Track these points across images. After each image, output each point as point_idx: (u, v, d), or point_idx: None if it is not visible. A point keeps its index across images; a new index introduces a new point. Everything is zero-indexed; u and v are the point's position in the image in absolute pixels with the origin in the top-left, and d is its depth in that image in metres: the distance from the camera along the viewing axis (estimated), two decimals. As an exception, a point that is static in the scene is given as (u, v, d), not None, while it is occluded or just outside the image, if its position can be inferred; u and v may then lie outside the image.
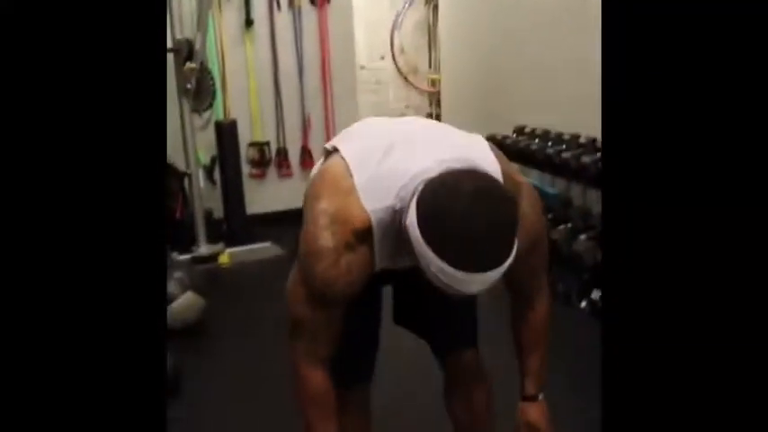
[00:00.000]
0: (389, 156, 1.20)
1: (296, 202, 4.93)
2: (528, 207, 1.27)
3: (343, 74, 4.68)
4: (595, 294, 2.93)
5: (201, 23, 3.58)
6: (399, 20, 6.15)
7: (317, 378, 1.28)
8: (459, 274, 1.02)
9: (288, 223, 4.51)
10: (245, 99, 4.42)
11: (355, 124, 1.46)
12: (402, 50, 6.26)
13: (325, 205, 1.18)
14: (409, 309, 1.59)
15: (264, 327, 3.16)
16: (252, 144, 4.50)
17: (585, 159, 3.13)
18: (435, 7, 5.88)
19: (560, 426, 1.56)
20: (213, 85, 3.75)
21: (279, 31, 4.45)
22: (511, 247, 1.04)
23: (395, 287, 1.57)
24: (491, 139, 4.00)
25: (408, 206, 1.08)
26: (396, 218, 1.15)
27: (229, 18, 4.34)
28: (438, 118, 6.53)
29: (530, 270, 1.37)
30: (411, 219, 1.06)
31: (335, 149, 1.29)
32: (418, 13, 6.23)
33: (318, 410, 1.30)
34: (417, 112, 6.61)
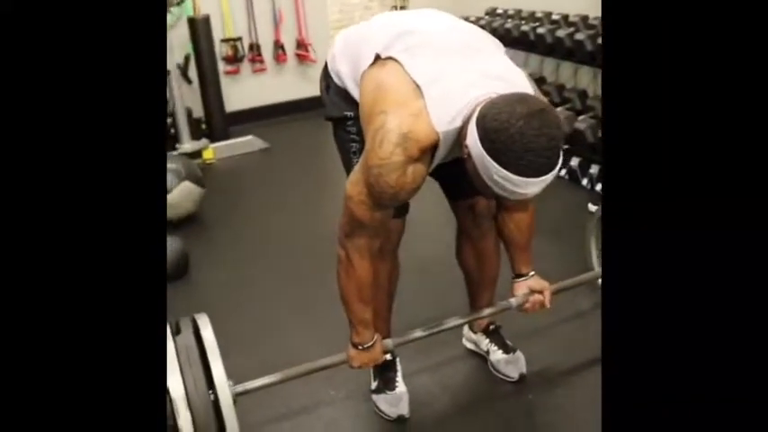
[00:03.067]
0: (449, 73, 1.35)
1: (271, 97, 5.04)
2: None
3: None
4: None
5: None
6: None
7: (367, 266, 1.51)
8: (521, 180, 1.20)
9: (265, 117, 4.62)
10: (214, -5, 4.36)
11: (388, 22, 1.54)
12: (364, -60, 6.13)
13: (396, 123, 1.31)
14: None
15: (256, 214, 3.31)
16: (224, 40, 4.48)
17: (560, 34, 3.24)
18: None
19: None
20: (186, -23, 3.70)
21: None
22: (560, 154, 1.22)
23: None
24: (464, 20, 4.08)
25: (467, 127, 1.26)
26: (455, 134, 1.33)
27: None
28: (403, 8, 6.49)
29: None
30: (473, 139, 1.22)
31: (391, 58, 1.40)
32: None
33: (362, 294, 1.54)
34: (381, 4, 6.56)
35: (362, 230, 1.46)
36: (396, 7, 6.48)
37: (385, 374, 1.88)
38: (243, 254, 2.87)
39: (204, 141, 4.08)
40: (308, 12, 4.69)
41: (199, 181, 3.15)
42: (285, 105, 4.78)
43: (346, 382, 1.92)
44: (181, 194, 3.02)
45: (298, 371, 1.62)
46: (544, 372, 1.95)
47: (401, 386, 1.87)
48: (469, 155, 1.25)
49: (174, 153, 3.76)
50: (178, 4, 3.84)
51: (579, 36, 3.13)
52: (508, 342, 1.98)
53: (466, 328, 2.06)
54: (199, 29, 4.12)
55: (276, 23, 4.62)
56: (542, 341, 2.07)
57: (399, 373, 1.89)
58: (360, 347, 1.60)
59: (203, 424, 1.38)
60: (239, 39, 4.53)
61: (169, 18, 4.05)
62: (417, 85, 1.34)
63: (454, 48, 1.45)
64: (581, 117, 3.08)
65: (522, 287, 1.75)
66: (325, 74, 1.66)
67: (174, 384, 1.38)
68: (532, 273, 1.75)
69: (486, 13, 4.09)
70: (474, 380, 1.99)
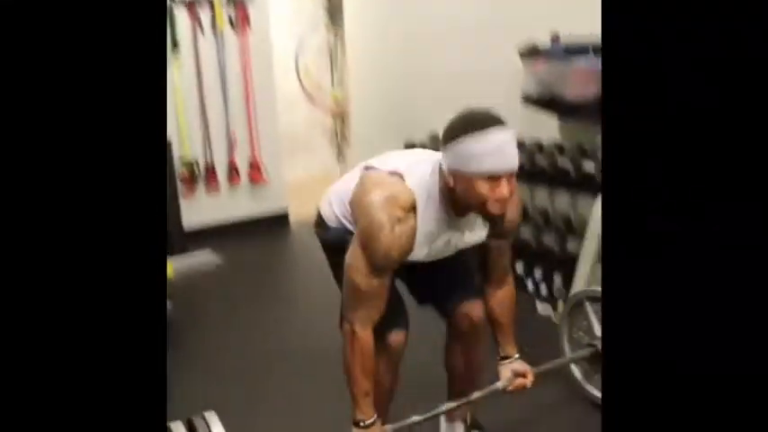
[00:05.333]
0: (416, 156, 1.79)
1: (225, 217, 5.17)
2: (515, 198, 1.77)
3: (264, 92, 4.98)
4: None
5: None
6: (302, 44, 6.51)
7: (367, 339, 1.72)
8: (482, 138, 1.53)
9: (220, 237, 4.78)
10: (172, 118, 4.61)
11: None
12: (306, 70, 6.61)
13: (378, 193, 1.63)
14: (425, 288, 2.01)
15: (214, 329, 3.41)
16: (182, 162, 4.70)
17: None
18: (336, 32, 6.32)
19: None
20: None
21: (203, 53, 4.71)
22: (500, 118, 1.58)
23: (409, 282, 2.01)
24: (409, 146, 4.46)
25: (439, 172, 1.65)
26: (432, 196, 1.66)
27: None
28: (343, 134, 6.92)
29: (507, 247, 1.92)
30: (445, 158, 1.61)
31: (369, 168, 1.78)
32: (320, 36, 6.62)
33: (364, 365, 1.72)
34: (323, 129, 6.98)
35: (363, 300, 1.69)
36: (336, 132, 6.92)
37: None
38: (201, 372, 2.95)
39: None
40: (262, 136, 5.00)
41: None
42: (239, 224, 5.00)
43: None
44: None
45: None
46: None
47: None
48: (450, 175, 1.59)
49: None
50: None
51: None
52: (483, 426, 2.16)
53: (443, 419, 2.22)
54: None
55: (230, 146, 4.88)
56: (513, 426, 2.27)
57: None
58: (362, 424, 1.73)
59: None
60: (195, 161, 4.76)
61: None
62: (392, 171, 1.69)
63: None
64: (523, 227, 3.41)
65: (507, 370, 1.96)
66: (321, 225, 1.96)
67: None
68: (517, 356, 1.97)
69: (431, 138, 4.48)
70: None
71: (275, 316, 3.57)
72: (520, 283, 3.41)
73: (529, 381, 1.94)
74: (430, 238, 1.71)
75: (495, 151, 1.52)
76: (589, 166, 3.08)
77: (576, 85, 3.04)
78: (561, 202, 3.50)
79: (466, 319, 1.97)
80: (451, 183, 1.59)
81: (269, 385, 2.75)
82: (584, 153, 3.24)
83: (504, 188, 1.56)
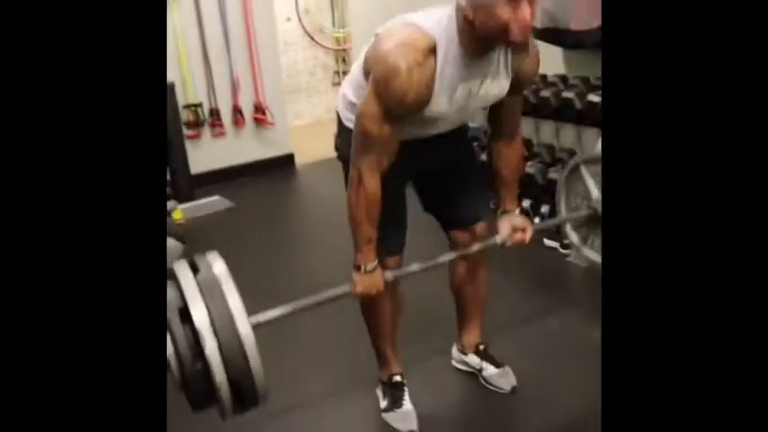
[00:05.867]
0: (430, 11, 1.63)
1: (231, 160, 5.18)
2: (534, 51, 1.72)
3: (265, 35, 4.93)
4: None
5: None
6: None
7: (375, 184, 1.65)
8: None
9: (226, 180, 4.82)
10: (175, 63, 4.58)
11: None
12: (306, 11, 6.52)
13: (393, 40, 1.54)
14: (433, 198, 1.99)
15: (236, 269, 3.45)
16: (186, 106, 4.69)
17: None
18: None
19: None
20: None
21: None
22: None
23: (419, 185, 1.99)
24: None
25: (457, 11, 1.53)
26: (451, 38, 1.55)
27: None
28: (345, 74, 6.86)
29: (520, 103, 1.87)
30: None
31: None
32: (319, -25, 6.51)
33: (369, 211, 1.67)
34: (325, 70, 6.92)
35: (373, 147, 1.61)
36: (338, 73, 6.86)
37: (394, 394, 2.09)
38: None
39: (173, 203, 4.24)
40: (265, 78, 4.97)
41: (179, 237, 3.32)
42: (245, 167, 5.02)
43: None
44: (166, 249, 3.17)
45: (304, 303, 1.70)
46: (530, 381, 2.21)
47: (408, 404, 2.08)
48: (470, 8, 1.48)
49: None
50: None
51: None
52: (496, 359, 2.23)
53: (456, 351, 2.30)
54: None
55: (234, 89, 4.86)
56: (525, 356, 2.34)
57: (406, 393, 2.10)
58: (363, 269, 1.73)
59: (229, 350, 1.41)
60: (200, 104, 4.75)
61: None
62: (406, 23, 1.60)
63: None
64: (529, 162, 3.43)
65: (506, 224, 1.92)
66: (339, 126, 1.88)
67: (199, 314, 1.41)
68: (517, 210, 1.96)
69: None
70: (470, 395, 2.22)
71: (285, 257, 3.63)
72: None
73: (528, 236, 1.92)
74: (450, 85, 1.61)
75: None
76: (594, 99, 3.08)
77: (581, 16, 3.01)
78: (566, 135, 3.51)
79: (471, 237, 1.99)
80: (471, 15, 1.49)
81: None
82: (589, 85, 3.23)
83: (526, 11, 1.45)
